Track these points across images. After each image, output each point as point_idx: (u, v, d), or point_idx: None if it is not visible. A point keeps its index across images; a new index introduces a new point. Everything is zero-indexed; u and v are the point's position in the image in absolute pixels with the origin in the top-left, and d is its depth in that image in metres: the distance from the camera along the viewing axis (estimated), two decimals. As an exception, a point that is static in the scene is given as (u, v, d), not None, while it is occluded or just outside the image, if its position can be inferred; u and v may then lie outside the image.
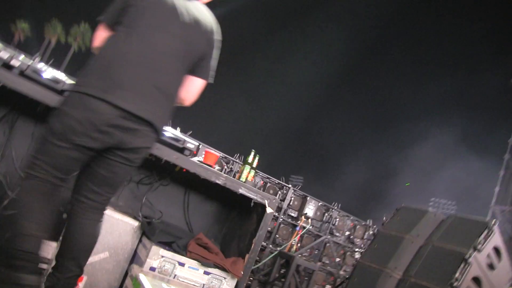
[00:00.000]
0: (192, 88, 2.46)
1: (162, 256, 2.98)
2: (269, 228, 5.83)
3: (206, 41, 2.40)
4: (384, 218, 4.21)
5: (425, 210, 4.18)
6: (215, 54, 2.50)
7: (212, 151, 3.59)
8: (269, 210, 3.33)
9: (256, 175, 5.79)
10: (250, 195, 3.28)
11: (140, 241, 3.23)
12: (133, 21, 2.19)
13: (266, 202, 3.32)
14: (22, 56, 2.91)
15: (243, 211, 3.67)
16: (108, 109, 2.04)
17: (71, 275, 2.28)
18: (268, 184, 5.85)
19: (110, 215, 3.20)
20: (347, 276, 4.22)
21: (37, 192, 2.10)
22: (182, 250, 3.13)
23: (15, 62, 2.82)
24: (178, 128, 4.55)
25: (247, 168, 3.56)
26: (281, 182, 5.94)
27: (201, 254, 3.14)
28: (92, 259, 3.14)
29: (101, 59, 2.16)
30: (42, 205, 2.12)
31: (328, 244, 6.18)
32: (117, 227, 3.21)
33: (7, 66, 2.78)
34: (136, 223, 3.26)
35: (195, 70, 2.43)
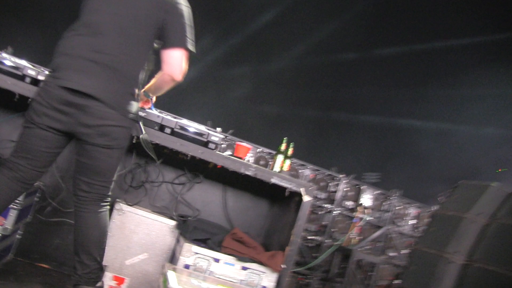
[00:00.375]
0: (170, 60, 2.39)
1: (196, 253, 2.93)
2: (326, 222, 5.65)
3: (159, 9, 2.33)
4: (441, 197, 3.88)
5: (486, 185, 3.79)
6: (182, 19, 2.40)
7: (244, 144, 3.50)
8: (305, 198, 3.18)
9: (305, 168, 5.64)
10: (283, 184, 3.16)
11: (177, 240, 3.20)
12: (81, 13, 2.34)
13: (302, 190, 3.18)
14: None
15: (284, 203, 3.56)
16: (58, 89, 2.17)
17: (89, 270, 2.32)
18: (319, 176, 5.68)
19: (146, 216, 3.21)
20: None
21: (5, 178, 2.22)
22: (218, 246, 3.06)
23: (41, 77, 2.89)
24: (218, 128, 4.52)
25: (279, 157, 3.43)
26: (331, 173, 5.75)
27: (236, 249, 3.06)
28: (132, 260, 3.17)
29: (55, 53, 2.30)
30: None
31: (391, 235, 5.89)
32: (153, 228, 3.21)
33: (35, 82, 2.86)
34: (172, 223, 3.24)
35: (165, 41, 2.39)
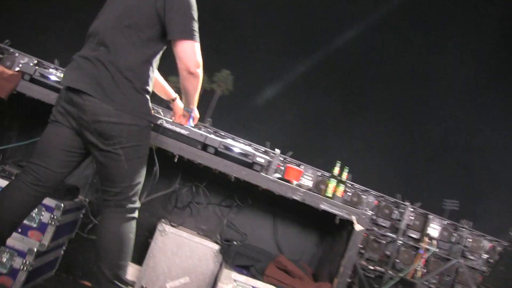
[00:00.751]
0: (180, 54, 2.24)
1: (235, 280, 2.76)
2: (389, 252, 5.28)
3: (152, 2, 2.19)
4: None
5: None
6: (183, 7, 2.22)
7: (295, 167, 3.31)
8: (357, 227, 2.93)
9: (368, 194, 5.32)
10: (333, 211, 2.93)
11: (221, 265, 3.05)
12: None
13: (354, 219, 2.93)
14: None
15: (336, 231, 3.32)
16: (63, 89, 2.26)
17: (98, 281, 2.24)
18: (383, 203, 5.33)
19: (189, 238, 3.09)
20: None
21: (20, 183, 2.19)
22: (260, 274, 2.88)
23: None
24: (277, 149, 4.36)
25: (332, 181, 3.21)
26: (397, 200, 5.39)
27: (279, 278, 2.85)
28: (173, 283, 3.05)
29: None
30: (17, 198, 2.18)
31: (461, 269, 5.39)
32: (196, 251, 3.09)
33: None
34: (216, 247, 3.10)
35: (169, 34, 2.23)
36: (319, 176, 4.99)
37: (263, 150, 4.93)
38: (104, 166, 2.21)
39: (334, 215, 2.95)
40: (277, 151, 3.80)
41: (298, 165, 4.99)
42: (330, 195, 3.17)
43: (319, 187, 4.93)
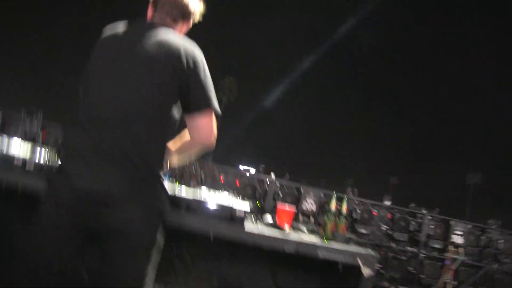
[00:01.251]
0: (199, 127, 2.01)
1: None
2: (411, 268, 4.81)
3: (175, 69, 1.93)
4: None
5: None
6: (202, 74, 2.00)
7: (285, 208, 2.88)
8: (366, 272, 2.51)
9: (380, 208, 4.86)
10: (334, 257, 2.52)
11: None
12: (83, 96, 2.00)
13: (360, 263, 2.51)
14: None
15: (343, 274, 2.90)
16: (67, 189, 1.89)
17: None
18: (397, 215, 4.87)
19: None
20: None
21: None
22: None
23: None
24: (273, 174, 3.94)
25: (330, 219, 2.79)
26: (412, 209, 4.93)
27: None
28: None
29: (61, 148, 2.04)
30: None
31: (495, 276, 4.90)
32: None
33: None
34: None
35: (188, 105, 1.99)
36: (322, 197, 4.56)
37: (256, 172, 4.49)
38: (112, 267, 1.88)
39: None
40: (272, 176, 3.39)
41: (298, 188, 4.52)
42: (329, 236, 2.75)
43: (324, 208, 4.50)
